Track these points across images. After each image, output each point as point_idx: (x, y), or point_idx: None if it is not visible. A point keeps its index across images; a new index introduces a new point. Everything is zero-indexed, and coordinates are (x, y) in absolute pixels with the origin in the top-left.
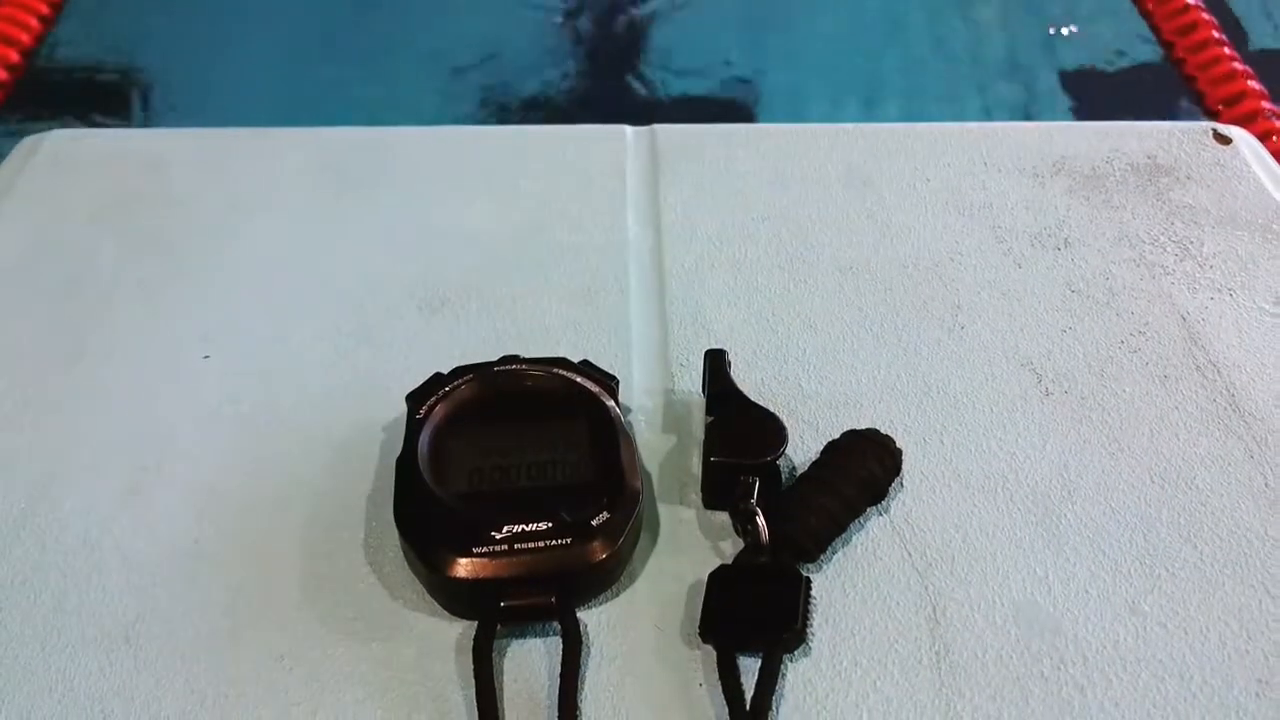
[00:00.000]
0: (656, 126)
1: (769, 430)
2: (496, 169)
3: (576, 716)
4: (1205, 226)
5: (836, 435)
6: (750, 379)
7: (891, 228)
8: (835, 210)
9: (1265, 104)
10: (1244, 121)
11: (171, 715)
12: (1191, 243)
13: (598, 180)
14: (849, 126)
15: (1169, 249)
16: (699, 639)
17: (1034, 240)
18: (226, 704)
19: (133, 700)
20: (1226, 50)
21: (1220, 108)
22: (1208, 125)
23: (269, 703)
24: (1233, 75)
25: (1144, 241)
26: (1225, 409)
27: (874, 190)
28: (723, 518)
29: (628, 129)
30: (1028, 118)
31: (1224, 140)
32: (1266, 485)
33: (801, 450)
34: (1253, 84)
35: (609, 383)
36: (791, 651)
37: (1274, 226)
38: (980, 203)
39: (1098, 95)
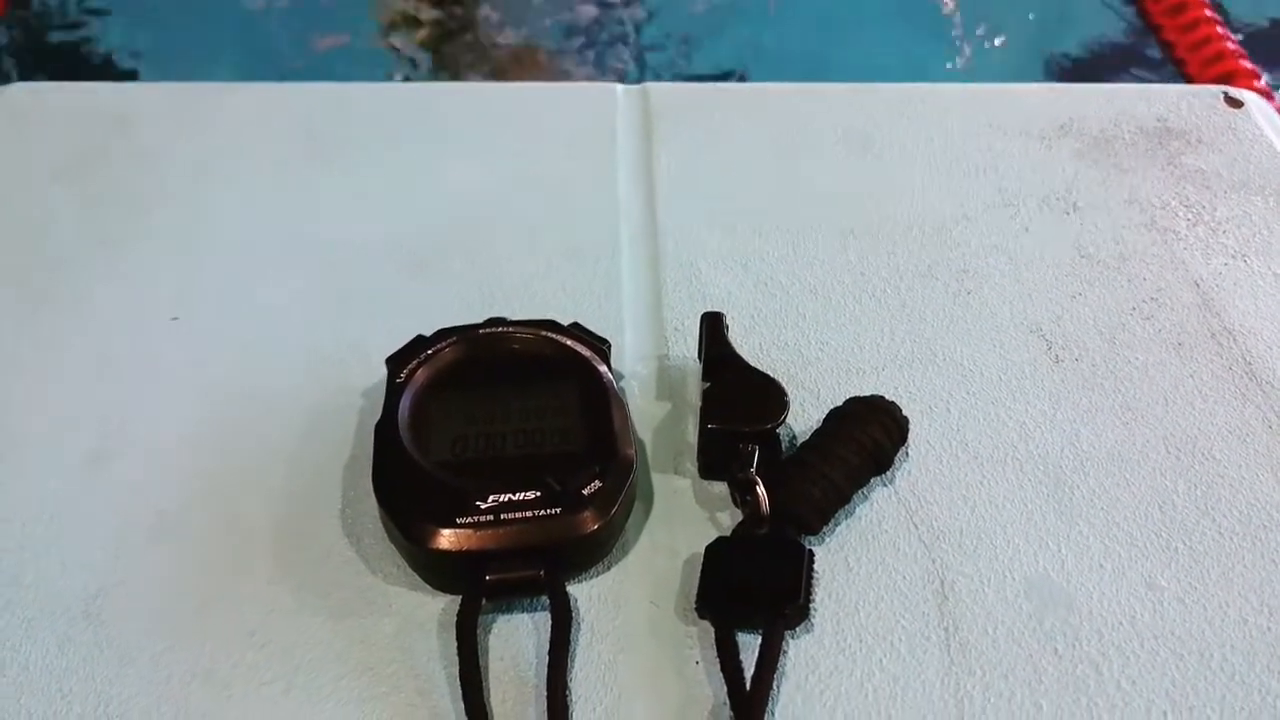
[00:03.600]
0: (649, 85)
1: (769, 396)
2: (481, 127)
3: (566, 695)
4: (1218, 191)
5: (839, 402)
6: (749, 344)
7: (894, 190)
8: (835, 171)
9: (1257, 84)
10: None
11: (134, 695)
12: (1204, 207)
13: (587, 139)
14: (849, 86)
15: (1181, 214)
16: (695, 614)
17: (1042, 203)
18: (193, 683)
19: (93, 679)
20: (1218, 29)
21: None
22: (1219, 89)
23: (238, 682)
24: (1222, 55)
25: (1155, 206)
26: (1242, 377)
27: (875, 152)
28: (720, 488)
29: (619, 87)
30: None
31: (1236, 104)
32: None
33: (802, 418)
34: (1245, 63)
35: (600, 346)
36: (793, 628)
37: None
38: (985, 165)
39: (1086, 77)
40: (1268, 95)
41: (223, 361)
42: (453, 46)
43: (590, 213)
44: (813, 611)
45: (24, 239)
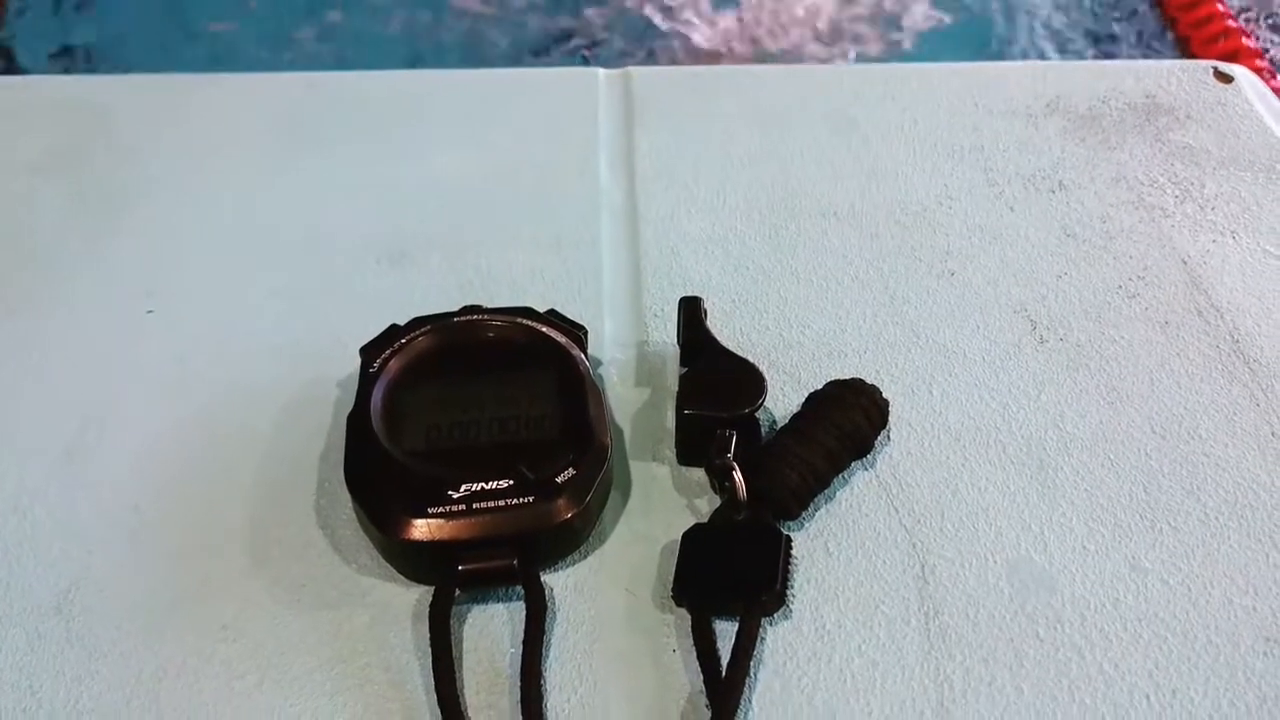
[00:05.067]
0: (631, 69)
1: (747, 381)
2: (461, 114)
3: (540, 686)
4: (1206, 167)
5: (820, 386)
6: (728, 329)
7: (878, 171)
8: (818, 154)
9: (1260, 62)
10: None
11: (105, 691)
12: (1192, 184)
13: (568, 125)
14: (832, 67)
15: (1169, 191)
16: (672, 602)
17: (1027, 183)
18: (165, 678)
19: (63, 675)
20: (1220, 7)
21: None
22: (1209, 64)
23: (211, 676)
24: (1227, 33)
25: (1143, 183)
26: (1229, 355)
27: (859, 133)
28: (698, 474)
29: (600, 71)
30: None
31: (1225, 79)
32: (1273, 434)
33: (782, 402)
34: (1248, 42)
35: (577, 333)
36: (770, 614)
37: (1278, 167)
38: (971, 144)
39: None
40: (1270, 74)
41: (198, 353)
42: None
43: (570, 199)
44: (791, 597)
45: (0, 232)
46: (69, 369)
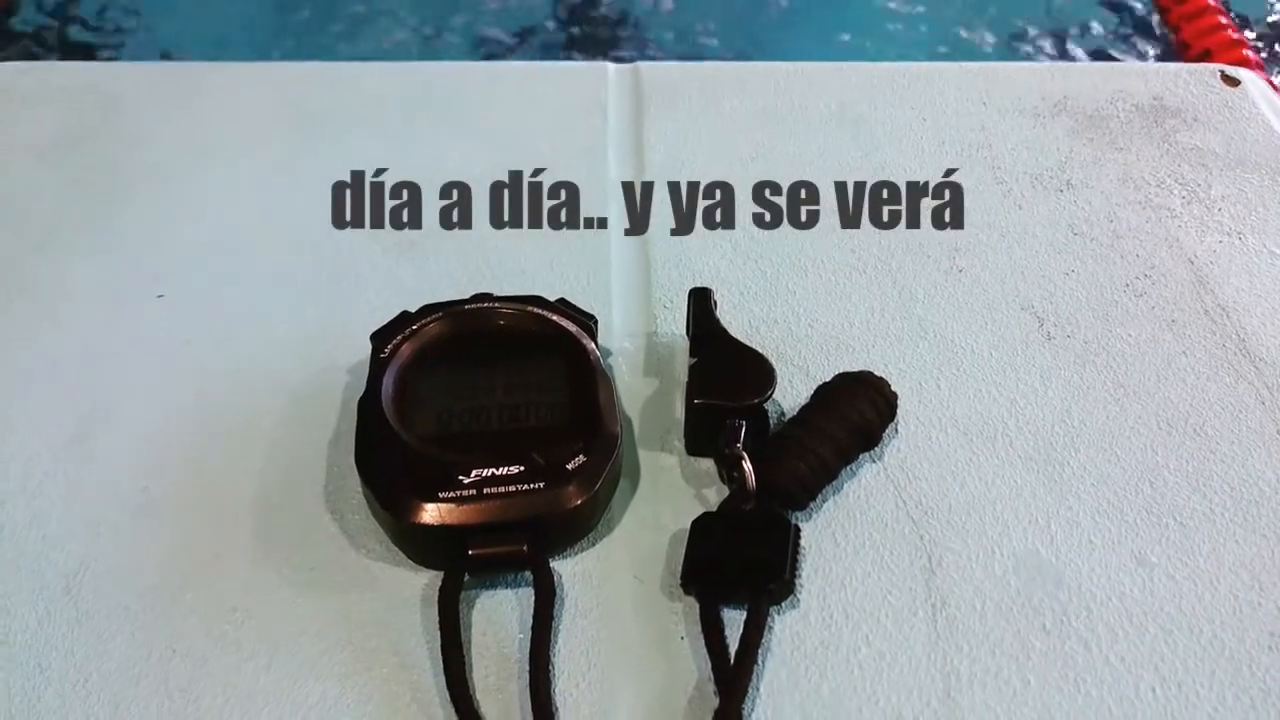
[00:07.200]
0: (640, 64)
1: (756, 372)
2: (471, 106)
3: (549, 671)
4: (1213, 169)
5: (828, 378)
6: (737, 321)
7: (886, 168)
8: (826, 150)
9: (1262, 73)
10: None
11: (114, 671)
12: (1199, 185)
13: (578, 118)
14: (841, 65)
15: (1176, 191)
16: (680, 590)
17: (1035, 181)
18: (173, 659)
19: (72, 655)
20: (1223, 19)
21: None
22: (1215, 67)
23: (219, 658)
24: (1231, 45)
25: (1149, 184)
26: (1235, 354)
27: (867, 130)
28: (707, 464)
29: (610, 65)
30: None
31: (1232, 82)
32: (1279, 432)
33: (791, 395)
34: (1248, 53)
35: (587, 322)
36: (778, 603)
37: None
38: (979, 143)
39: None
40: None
41: (208, 338)
42: None
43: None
44: (799, 587)
45: (9, 217)
46: (78, 352)
